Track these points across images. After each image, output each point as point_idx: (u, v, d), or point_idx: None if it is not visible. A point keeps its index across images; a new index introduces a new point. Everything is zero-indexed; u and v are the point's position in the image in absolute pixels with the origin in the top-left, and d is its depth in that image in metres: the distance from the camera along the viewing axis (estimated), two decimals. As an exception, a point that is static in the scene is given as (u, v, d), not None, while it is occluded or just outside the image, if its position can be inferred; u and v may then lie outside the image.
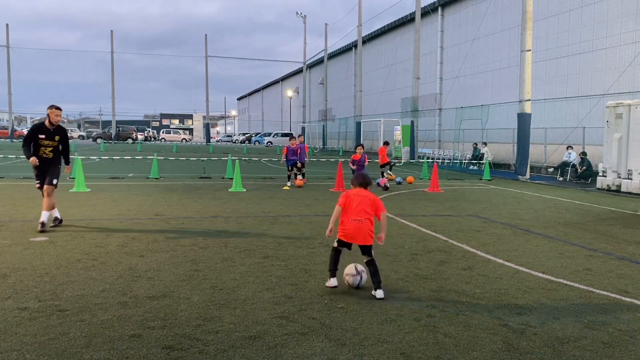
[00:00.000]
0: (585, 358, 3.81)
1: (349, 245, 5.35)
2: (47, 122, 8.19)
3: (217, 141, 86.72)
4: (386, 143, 19.15)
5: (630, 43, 20.32)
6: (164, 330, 4.14)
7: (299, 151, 16.23)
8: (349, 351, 3.82)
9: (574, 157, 20.57)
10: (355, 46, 47.93)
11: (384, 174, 17.45)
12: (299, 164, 16.25)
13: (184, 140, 78.22)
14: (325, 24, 55.08)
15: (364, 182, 5.54)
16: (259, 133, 76.30)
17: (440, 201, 12.95)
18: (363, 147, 15.14)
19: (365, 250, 5.25)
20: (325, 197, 13.28)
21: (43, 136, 8.12)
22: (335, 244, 5.41)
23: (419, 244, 7.70)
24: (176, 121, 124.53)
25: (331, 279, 5.39)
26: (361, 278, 5.38)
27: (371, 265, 5.20)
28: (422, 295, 5.20)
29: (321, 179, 18.41)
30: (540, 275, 6.08)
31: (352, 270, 5.39)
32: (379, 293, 5.10)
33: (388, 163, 17.36)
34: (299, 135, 17.84)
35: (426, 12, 34.12)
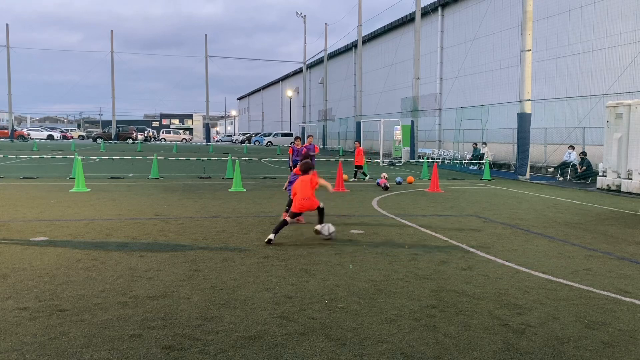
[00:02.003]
0: (585, 358, 3.81)
1: (300, 214, 8.29)
2: None
3: (217, 141, 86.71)
4: (357, 142, 19.25)
5: (630, 43, 20.31)
6: (164, 330, 4.14)
7: (303, 152, 16.09)
8: (349, 351, 3.82)
9: (574, 157, 20.57)
10: (355, 46, 47.91)
11: (357, 174, 17.78)
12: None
13: (184, 140, 78.22)
14: (325, 24, 55.10)
15: (305, 170, 8.10)
16: (259, 133, 76.28)
17: (440, 201, 12.95)
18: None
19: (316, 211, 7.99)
20: (325, 197, 13.25)
21: None
22: (285, 216, 8.00)
23: (419, 244, 7.70)
24: (176, 121, 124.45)
25: (272, 234, 7.46)
26: (329, 229, 7.79)
27: (320, 212, 7.94)
28: (422, 295, 5.20)
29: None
30: (540, 275, 6.08)
31: (318, 226, 7.83)
32: (318, 226, 7.81)
33: (361, 166, 17.48)
34: (309, 136, 17.58)
35: (426, 12, 34.10)
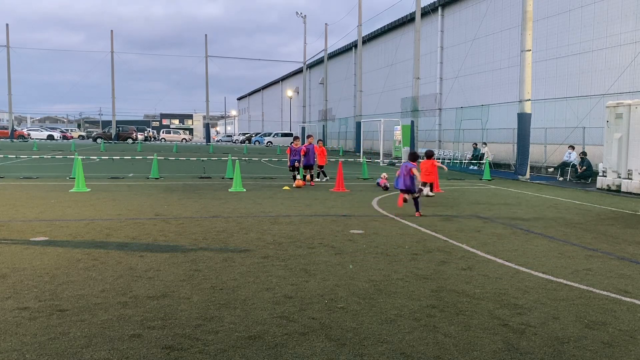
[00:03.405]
0: (585, 358, 3.81)
1: (426, 184, 12.33)
2: None
3: (217, 141, 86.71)
4: (320, 141, 19.29)
5: (630, 43, 20.31)
6: (164, 330, 4.14)
7: (302, 152, 16.12)
8: (349, 351, 3.82)
9: (574, 157, 20.57)
10: (355, 46, 47.92)
11: (320, 174, 17.66)
12: (296, 164, 16.18)
13: (184, 140, 78.21)
14: (325, 24, 55.09)
15: (429, 156, 13.01)
16: (259, 133, 76.29)
17: (440, 201, 12.95)
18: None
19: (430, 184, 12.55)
20: (326, 197, 13.27)
21: None
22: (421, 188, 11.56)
23: (419, 244, 7.70)
24: (176, 121, 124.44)
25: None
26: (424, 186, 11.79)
27: (427, 185, 12.59)
28: (422, 295, 5.20)
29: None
30: (540, 275, 6.08)
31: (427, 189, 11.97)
32: (426, 191, 12.62)
33: (322, 166, 17.46)
34: (309, 136, 17.52)
35: (426, 12, 34.08)
